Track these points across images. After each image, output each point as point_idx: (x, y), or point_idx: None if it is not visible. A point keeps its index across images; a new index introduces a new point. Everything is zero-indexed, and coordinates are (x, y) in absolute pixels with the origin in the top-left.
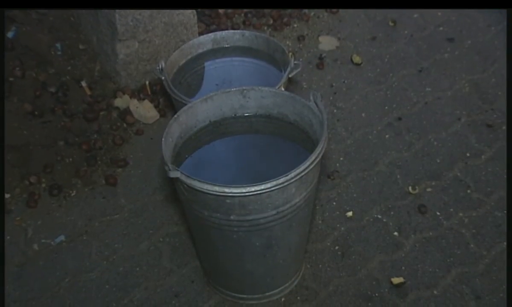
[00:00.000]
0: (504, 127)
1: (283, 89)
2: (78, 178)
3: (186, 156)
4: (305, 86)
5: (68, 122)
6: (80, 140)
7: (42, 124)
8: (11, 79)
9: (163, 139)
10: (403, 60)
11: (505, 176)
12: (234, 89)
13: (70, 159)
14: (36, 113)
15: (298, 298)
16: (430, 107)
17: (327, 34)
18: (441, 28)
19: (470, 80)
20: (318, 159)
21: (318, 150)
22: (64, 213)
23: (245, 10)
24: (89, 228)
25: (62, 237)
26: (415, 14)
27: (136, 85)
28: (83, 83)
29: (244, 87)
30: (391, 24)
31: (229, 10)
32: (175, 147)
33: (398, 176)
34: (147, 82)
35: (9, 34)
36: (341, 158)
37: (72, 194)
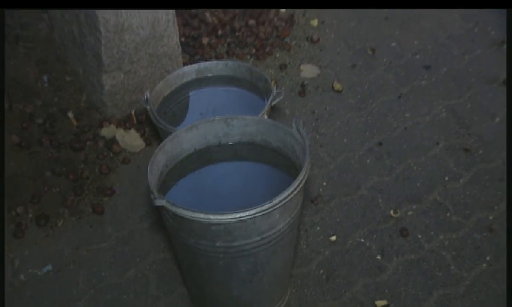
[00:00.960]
0: (481, 151)
1: (266, 116)
2: (65, 207)
3: (172, 184)
4: (288, 113)
5: (55, 153)
6: (67, 170)
7: (30, 155)
8: None
9: (148, 168)
10: (383, 87)
11: (483, 199)
12: (218, 117)
13: (57, 189)
14: (23, 144)
15: None
16: (409, 132)
17: (308, 62)
18: (417, 56)
19: (447, 105)
20: (301, 185)
21: (301, 176)
22: (51, 243)
23: (228, 40)
24: (76, 257)
25: (49, 267)
26: (393, 42)
27: (122, 115)
28: (70, 114)
29: (228, 116)
30: (370, 52)
31: (213, 41)
32: (161, 175)
33: (380, 200)
34: (133, 112)
35: None
36: (324, 183)
37: (59, 224)
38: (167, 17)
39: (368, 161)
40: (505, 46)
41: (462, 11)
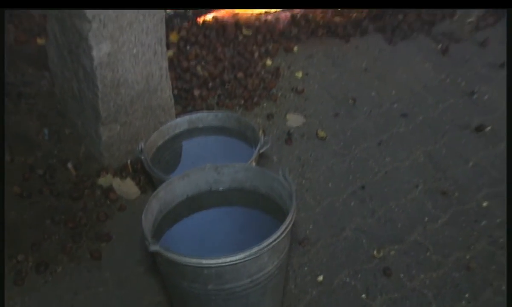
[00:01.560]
0: (457, 194)
1: (254, 164)
2: (64, 254)
3: (166, 229)
4: (275, 160)
5: (55, 202)
6: (66, 218)
7: (30, 205)
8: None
9: (143, 215)
10: (364, 134)
11: (460, 239)
12: (209, 166)
13: (57, 237)
14: (24, 194)
15: None
16: (390, 176)
17: (294, 112)
18: (395, 105)
19: (424, 151)
20: (288, 229)
21: (288, 220)
22: (51, 289)
23: (218, 92)
24: (75, 301)
25: None
26: (372, 92)
27: (119, 164)
28: (69, 165)
29: (218, 164)
30: (351, 102)
31: (204, 93)
32: (155, 221)
33: (364, 241)
34: (128, 161)
35: None
36: (311, 226)
37: (58, 270)
38: (160, 72)
39: (352, 204)
40: (475, 96)
41: (434, 64)
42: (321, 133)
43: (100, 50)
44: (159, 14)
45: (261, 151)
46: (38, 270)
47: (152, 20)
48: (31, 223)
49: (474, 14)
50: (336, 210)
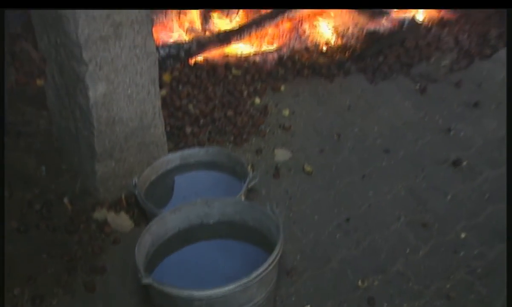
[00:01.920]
0: (436, 226)
1: (243, 198)
2: (59, 287)
3: (158, 262)
4: (263, 193)
5: (51, 236)
6: (62, 252)
7: (27, 239)
8: None
9: (136, 248)
10: (348, 168)
11: (440, 269)
12: (200, 200)
13: (52, 270)
14: (21, 229)
15: None
16: (373, 209)
17: (281, 147)
18: (378, 141)
19: (405, 185)
20: (276, 260)
21: (275, 252)
22: None
23: (209, 128)
24: None
25: None
26: (356, 129)
27: (113, 198)
28: (65, 200)
29: (208, 198)
30: (336, 138)
31: (195, 130)
32: (148, 254)
33: (349, 272)
34: (123, 196)
35: None
36: (298, 257)
37: (54, 303)
38: (153, 110)
39: (337, 235)
40: (451, 133)
41: (413, 102)
42: (308, 168)
43: (96, 91)
44: (153, 57)
45: (250, 185)
46: (34, 303)
47: (146, 63)
48: (28, 257)
49: (448, 58)
50: (322, 241)
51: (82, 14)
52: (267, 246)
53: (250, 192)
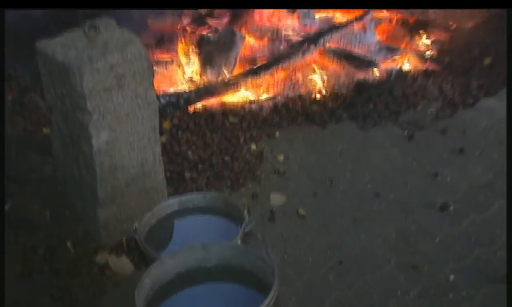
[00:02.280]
0: (426, 268)
1: (239, 241)
2: None
3: (157, 305)
4: (259, 237)
5: (54, 280)
6: (64, 295)
7: (30, 283)
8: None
9: (136, 291)
10: (340, 212)
11: None
12: (198, 245)
13: None
14: (25, 273)
15: None
16: (365, 251)
17: (276, 192)
18: (369, 185)
19: (395, 228)
20: (271, 304)
21: (271, 295)
22: None
23: (207, 174)
24: None
25: None
26: (347, 173)
27: (115, 242)
28: (68, 244)
29: (206, 243)
30: (328, 182)
31: (194, 175)
32: (147, 297)
33: None
34: (124, 240)
35: (7, 207)
36: (293, 298)
37: None
38: (154, 157)
39: (331, 278)
40: (438, 178)
41: (402, 149)
42: (302, 211)
43: (99, 139)
44: (154, 106)
45: (246, 229)
46: None
47: (147, 111)
48: (31, 301)
49: (433, 106)
50: (316, 284)
51: (87, 67)
52: (263, 289)
53: (246, 236)
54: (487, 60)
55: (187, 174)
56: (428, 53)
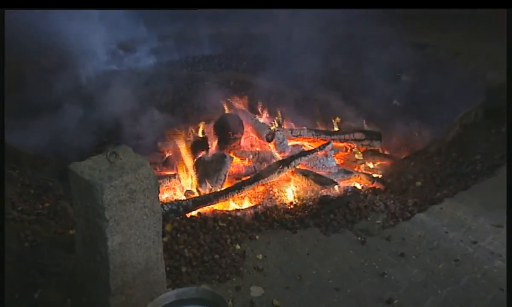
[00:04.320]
0: None
1: None
2: None
3: None
4: None
5: None
6: None
7: None
8: None
9: None
10: (308, 303)
11: None
12: None
13: None
14: None
15: None
16: None
17: (255, 285)
18: (330, 281)
19: None
20: None
21: None
22: None
23: (200, 269)
24: None
25: None
26: (313, 271)
27: None
28: None
29: None
30: (298, 278)
31: (189, 269)
32: None
33: None
34: None
35: (36, 295)
36: None
37: None
38: (156, 256)
39: None
40: (385, 276)
41: (356, 251)
42: (276, 302)
43: (113, 241)
44: (158, 215)
45: None
46: None
47: (152, 219)
48: None
49: (380, 218)
50: None
51: (107, 185)
52: None
53: None
54: (418, 183)
55: (183, 269)
56: (374, 175)
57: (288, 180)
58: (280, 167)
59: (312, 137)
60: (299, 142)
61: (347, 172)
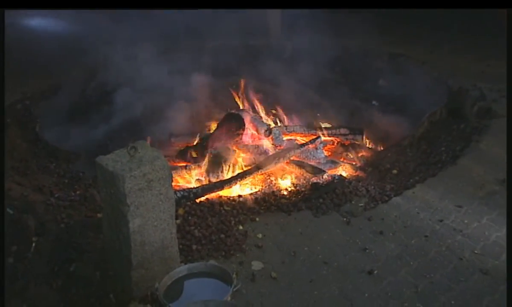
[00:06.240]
0: None
1: (229, 298)
2: None
3: None
4: (244, 293)
5: None
6: None
7: None
8: None
9: None
10: (301, 275)
11: None
12: (200, 301)
13: None
14: None
15: None
16: (316, 304)
17: (256, 260)
18: (320, 256)
19: (337, 287)
20: None
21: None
22: None
23: (208, 247)
24: None
25: None
26: (305, 247)
27: (142, 295)
28: (111, 296)
29: (206, 300)
30: (292, 254)
31: (199, 247)
32: None
33: None
34: (149, 294)
35: (71, 268)
36: None
37: None
38: (171, 235)
39: None
40: (367, 251)
41: (342, 231)
42: (274, 274)
43: (134, 223)
44: (172, 200)
45: (235, 289)
46: None
47: (167, 204)
48: None
49: (363, 201)
50: None
51: (128, 175)
52: None
53: (235, 293)
54: (394, 171)
55: (194, 247)
56: (357, 165)
57: (284, 170)
58: (277, 158)
59: (304, 133)
60: (292, 137)
61: (334, 162)
